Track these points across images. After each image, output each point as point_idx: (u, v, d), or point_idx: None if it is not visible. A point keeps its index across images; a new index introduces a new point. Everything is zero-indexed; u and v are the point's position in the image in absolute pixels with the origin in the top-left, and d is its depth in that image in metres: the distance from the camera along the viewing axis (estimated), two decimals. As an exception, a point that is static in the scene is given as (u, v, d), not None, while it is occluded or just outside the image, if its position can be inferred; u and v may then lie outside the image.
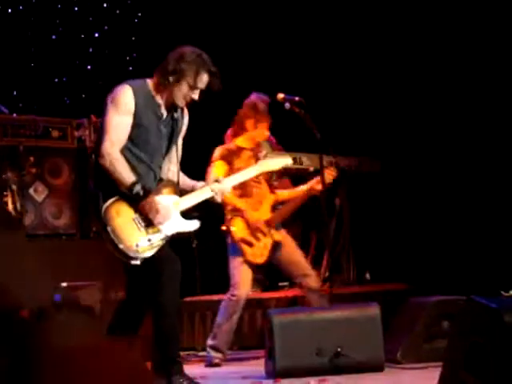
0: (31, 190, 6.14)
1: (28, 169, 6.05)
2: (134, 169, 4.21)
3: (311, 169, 6.75)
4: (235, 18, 7.98)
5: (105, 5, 8.11)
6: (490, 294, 3.44)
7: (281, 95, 5.65)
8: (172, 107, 4.33)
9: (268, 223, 5.61)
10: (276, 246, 5.57)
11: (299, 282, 5.59)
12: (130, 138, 4.23)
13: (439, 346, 4.98)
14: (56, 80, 7.82)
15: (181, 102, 4.30)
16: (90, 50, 7.88)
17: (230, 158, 5.53)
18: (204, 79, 4.28)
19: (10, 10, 7.76)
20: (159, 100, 4.30)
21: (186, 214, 4.35)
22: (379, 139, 7.59)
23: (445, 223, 7.42)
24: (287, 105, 5.63)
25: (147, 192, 4.18)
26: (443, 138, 7.57)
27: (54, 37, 7.88)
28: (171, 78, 4.24)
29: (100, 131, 4.27)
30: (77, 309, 3.68)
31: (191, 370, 4.90)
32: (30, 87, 7.62)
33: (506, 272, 6.55)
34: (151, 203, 4.18)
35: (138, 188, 4.14)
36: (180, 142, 4.45)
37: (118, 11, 8.15)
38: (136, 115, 4.21)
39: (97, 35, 8.01)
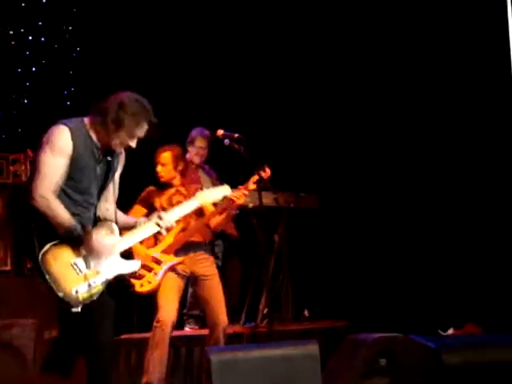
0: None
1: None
2: (69, 210, 4.11)
3: (250, 205, 6.74)
4: (173, 52, 7.98)
5: (42, 39, 8.04)
6: (428, 333, 3.45)
7: (220, 131, 5.65)
8: (108, 149, 4.27)
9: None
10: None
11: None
12: (68, 178, 4.14)
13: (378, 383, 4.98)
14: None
15: (118, 148, 4.25)
16: (27, 83, 7.78)
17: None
18: (144, 128, 4.23)
19: None
20: (97, 141, 4.22)
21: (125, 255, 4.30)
22: (317, 175, 7.64)
23: (384, 260, 7.47)
24: (226, 141, 5.64)
25: (87, 233, 4.09)
26: (380, 171, 7.65)
27: (-10, 70, 7.79)
28: (111, 126, 4.16)
29: (33, 172, 4.14)
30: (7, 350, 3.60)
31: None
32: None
33: (443, 311, 6.62)
34: (94, 243, 4.09)
35: (78, 230, 4.05)
36: (117, 180, 4.38)
37: (56, 45, 8.08)
38: (73, 156, 4.12)
39: (34, 69, 7.92)
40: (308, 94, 7.92)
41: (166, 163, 5.79)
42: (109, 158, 4.27)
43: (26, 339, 4.86)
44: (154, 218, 4.41)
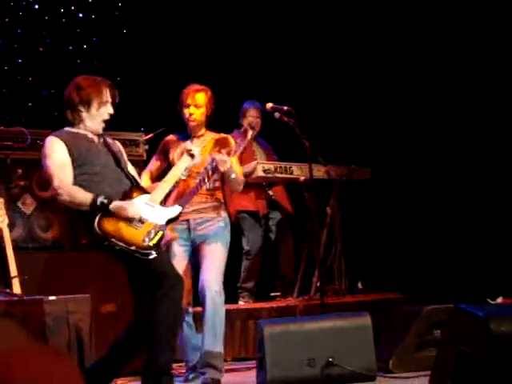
0: (19, 203, 6.10)
1: (16, 181, 6.02)
2: (97, 187, 4.41)
3: (301, 178, 6.73)
4: (223, 28, 7.97)
5: (93, 16, 8.09)
6: (478, 302, 3.43)
7: (269, 105, 5.64)
8: (97, 135, 4.58)
9: None
10: None
11: None
12: (81, 166, 4.44)
13: (431, 355, 4.94)
14: (44, 92, 7.79)
15: (101, 125, 4.55)
16: (79, 61, 7.85)
17: None
18: (107, 92, 4.52)
19: (-4, 23, 7.74)
20: (83, 131, 4.54)
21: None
22: (369, 147, 7.58)
23: (436, 230, 7.41)
24: (276, 114, 5.63)
25: (111, 198, 4.34)
26: (433, 142, 7.57)
27: (41, 48, 7.86)
28: (82, 108, 4.49)
29: (47, 181, 4.49)
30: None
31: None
32: (17, 99, 7.60)
33: (493, 279, 6.55)
34: (118, 205, 4.32)
35: (100, 199, 4.31)
36: (131, 167, 4.74)
37: (106, 22, 8.13)
38: (72, 149, 4.44)
39: (85, 46, 7.98)
40: (360, 65, 7.85)
41: (200, 105, 5.24)
42: (100, 141, 4.59)
43: (82, 314, 4.93)
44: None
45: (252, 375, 5.24)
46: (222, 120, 5.42)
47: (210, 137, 5.21)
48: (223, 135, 5.15)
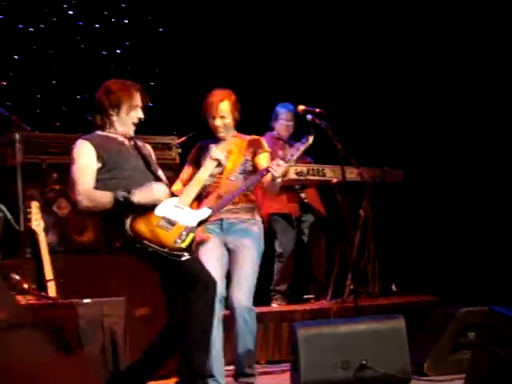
0: (55, 207, 6.15)
1: (51, 185, 6.07)
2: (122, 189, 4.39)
3: (334, 181, 6.72)
4: (255, 30, 7.98)
5: (126, 21, 8.15)
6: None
7: (301, 107, 5.63)
8: (128, 138, 4.59)
9: None
10: None
11: None
12: (111, 170, 4.45)
13: (465, 358, 4.91)
14: (78, 97, 7.86)
15: (131, 129, 4.55)
16: (112, 65, 7.91)
17: None
18: (137, 96, 4.53)
19: (31, 29, 7.81)
20: (113, 135, 4.54)
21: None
22: (401, 149, 7.55)
23: (471, 232, 7.36)
24: (309, 116, 5.62)
25: (130, 190, 4.33)
26: (467, 144, 7.52)
27: (75, 54, 7.93)
28: (112, 112, 4.50)
29: (70, 186, 4.49)
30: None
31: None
32: (52, 104, 7.67)
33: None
34: (140, 193, 4.32)
35: (121, 193, 4.31)
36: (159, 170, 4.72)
37: (139, 27, 8.19)
38: (103, 153, 4.44)
39: (118, 51, 8.04)
40: (393, 67, 7.82)
41: (226, 116, 5.10)
42: (131, 143, 4.59)
43: (117, 317, 4.96)
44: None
45: (286, 378, 5.23)
46: (252, 123, 5.42)
47: (239, 139, 5.18)
48: (254, 137, 5.15)
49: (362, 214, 6.85)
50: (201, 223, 4.54)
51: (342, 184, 6.23)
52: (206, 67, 7.90)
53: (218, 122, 5.07)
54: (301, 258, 7.07)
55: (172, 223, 4.37)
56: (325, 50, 7.94)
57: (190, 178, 4.97)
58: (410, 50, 7.77)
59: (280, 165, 4.77)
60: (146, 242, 4.28)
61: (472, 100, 7.47)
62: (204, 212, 4.58)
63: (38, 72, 7.77)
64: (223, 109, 5.05)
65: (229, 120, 5.08)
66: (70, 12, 8.00)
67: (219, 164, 4.76)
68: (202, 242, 4.92)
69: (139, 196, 4.32)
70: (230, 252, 5.06)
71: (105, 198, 4.33)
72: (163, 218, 4.36)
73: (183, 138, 6.45)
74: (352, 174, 6.72)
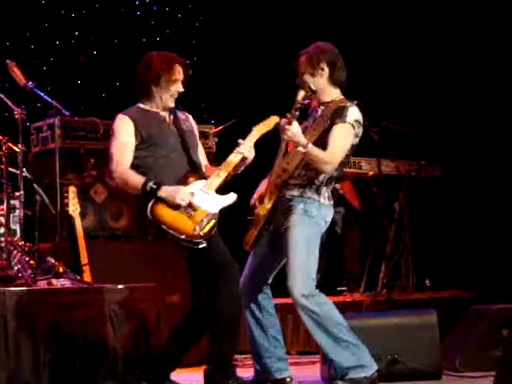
0: (91, 192, 6.21)
1: (88, 171, 6.13)
2: (162, 170, 4.40)
3: (370, 173, 6.69)
4: (290, 20, 7.95)
5: (167, 8, 8.18)
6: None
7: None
8: (169, 111, 4.54)
9: None
10: None
11: None
12: (148, 147, 4.43)
13: (499, 355, 4.87)
14: (117, 83, 7.91)
15: (170, 102, 4.50)
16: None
17: None
18: (178, 70, 4.48)
19: (73, 15, 7.87)
20: (154, 109, 4.51)
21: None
22: (439, 142, 7.48)
23: (508, 229, 7.29)
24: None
25: (160, 184, 4.32)
26: (506, 140, 7.44)
27: (116, 40, 7.98)
28: (152, 84, 4.46)
29: (107, 160, 4.50)
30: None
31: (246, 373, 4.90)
32: (91, 90, 7.72)
33: None
34: (168, 191, 4.31)
35: (150, 184, 4.30)
36: (198, 141, 4.65)
37: (179, 15, 8.21)
38: (142, 130, 4.42)
39: (158, 39, 8.07)
40: (430, 58, 7.76)
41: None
42: (172, 118, 4.54)
43: (149, 303, 5.00)
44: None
45: (316, 369, 5.24)
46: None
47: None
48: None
49: (397, 207, 6.81)
50: (223, 209, 4.42)
51: (378, 177, 6.21)
52: (246, 56, 7.89)
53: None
54: (334, 249, 7.05)
55: (194, 208, 4.33)
56: (364, 40, 7.89)
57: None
58: (447, 41, 7.69)
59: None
60: (164, 226, 4.27)
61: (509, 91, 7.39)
62: (229, 198, 4.46)
63: (78, 58, 7.82)
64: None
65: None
66: (112, -1, 8.05)
67: (244, 158, 4.52)
68: None
69: (165, 193, 4.31)
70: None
71: (135, 182, 4.34)
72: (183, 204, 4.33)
73: (220, 127, 6.46)
74: (388, 167, 6.68)
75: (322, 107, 4.64)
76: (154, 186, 4.30)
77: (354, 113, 4.58)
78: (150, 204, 4.30)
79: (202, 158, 4.67)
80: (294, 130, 4.40)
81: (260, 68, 7.56)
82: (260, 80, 7.58)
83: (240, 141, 4.52)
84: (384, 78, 7.79)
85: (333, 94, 4.66)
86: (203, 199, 4.37)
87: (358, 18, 7.94)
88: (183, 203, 4.31)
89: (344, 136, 4.54)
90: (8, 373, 4.50)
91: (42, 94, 5.34)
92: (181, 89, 4.49)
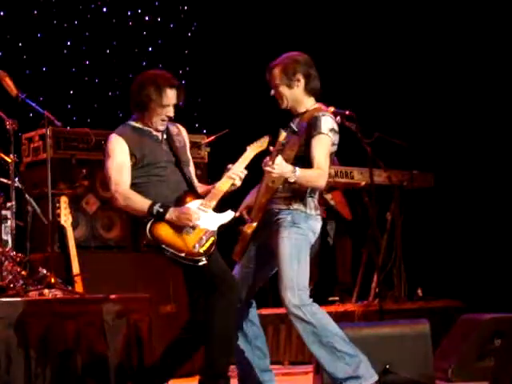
0: (83, 202, 6.20)
1: (80, 181, 6.12)
2: (156, 189, 4.41)
3: (362, 183, 6.69)
4: (283, 30, 7.97)
5: (159, 19, 8.19)
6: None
7: (331, 109, 5.62)
8: (161, 130, 4.53)
9: None
10: None
11: None
12: (142, 167, 4.44)
13: (491, 365, 4.88)
14: (110, 93, 7.91)
15: (160, 125, 4.48)
16: (144, 63, 7.95)
17: None
18: (169, 95, 4.42)
19: (65, 25, 7.88)
20: (147, 128, 4.50)
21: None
22: (432, 153, 7.50)
23: (499, 239, 7.30)
24: (338, 119, 5.59)
25: (167, 206, 4.33)
26: (499, 150, 7.46)
27: (108, 51, 7.98)
28: (143, 107, 4.43)
29: (106, 182, 4.50)
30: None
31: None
32: (83, 101, 7.72)
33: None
34: (174, 214, 4.31)
35: (156, 207, 4.31)
36: (189, 157, 4.65)
37: (171, 25, 8.22)
38: (135, 150, 4.43)
39: (150, 49, 8.09)
40: (422, 68, 7.78)
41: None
42: (164, 136, 4.53)
43: (142, 313, 4.99)
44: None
45: (308, 379, 5.23)
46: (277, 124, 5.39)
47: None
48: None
49: (389, 217, 6.82)
50: (223, 226, 4.44)
51: (370, 187, 6.21)
52: (238, 66, 7.91)
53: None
54: (326, 260, 7.05)
55: (193, 226, 4.35)
56: (354, 52, 7.91)
57: None
58: (437, 49, 7.72)
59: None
60: (163, 246, 4.29)
61: (506, 102, 7.41)
62: (227, 215, 4.47)
63: (70, 68, 7.82)
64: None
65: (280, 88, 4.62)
66: (104, 9, 8.05)
67: (233, 184, 4.48)
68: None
69: (173, 215, 4.32)
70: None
71: (141, 206, 4.34)
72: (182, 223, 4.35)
73: (213, 137, 6.46)
74: (380, 176, 6.69)
75: (297, 119, 4.66)
76: (161, 210, 4.31)
77: (327, 123, 4.58)
78: (149, 224, 4.31)
79: (192, 170, 4.68)
80: (280, 163, 4.32)
81: (253, 78, 7.56)
82: (252, 90, 7.58)
83: (229, 166, 4.51)
84: (376, 89, 7.81)
85: (307, 103, 4.68)
86: (202, 217, 4.38)
87: (350, 29, 7.96)
88: (190, 224, 4.33)
89: (322, 147, 4.54)
90: (-1, 384, 4.48)
91: (33, 104, 5.34)
92: (171, 113, 4.47)
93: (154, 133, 4.53)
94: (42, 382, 4.58)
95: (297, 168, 4.39)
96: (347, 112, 5.42)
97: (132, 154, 4.44)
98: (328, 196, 7.02)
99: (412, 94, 7.75)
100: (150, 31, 8.15)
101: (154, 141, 4.52)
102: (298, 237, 4.54)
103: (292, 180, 4.40)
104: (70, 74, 7.80)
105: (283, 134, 4.53)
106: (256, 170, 4.65)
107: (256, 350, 4.70)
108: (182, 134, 4.68)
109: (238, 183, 4.51)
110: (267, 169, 4.34)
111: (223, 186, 4.48)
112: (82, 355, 4.71)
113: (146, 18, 8.19)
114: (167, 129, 4.58)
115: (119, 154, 4.43)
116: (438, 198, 7.45)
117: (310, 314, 4.47)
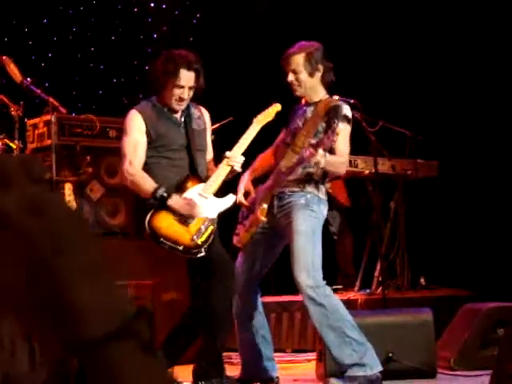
0: (87, 189, 6.21)
1: (84, 168, 6.12)
2: (164, 174, 4.40)
3: (366, 172, 6.68)
4: (287, 21, 7.94)
5: (163, 6, 8.17)
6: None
7: (335, 97, 5.60)
8: (181, 111, 4.51)
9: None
10: None
11: None
12: (154, 148, 4.44)
13: (494, 354, 4.87)
14: (114, 80, 7.91)
15: (177, 106, 4.46)
16: (149, 50, 7.94)
17: None
18: (185, 76, 4.39)
19: (71, 11, 7.87)
20: (166, 108, 4.49)
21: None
22: (437, 142, 7.48)
23: (505, 228, 7.29)
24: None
25: (170, 193, 4.34)
26: (504, 138, 7.44)
27: (113, 37, 7.97)
28: (160, 86, 4.43)
29: (120, 157, 4.52)
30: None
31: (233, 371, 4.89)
32: (88, 87, 7.72)
33: None
34: (177, 201, 4.32)
35: (160, 191, 4.31)
36: (209, 142, 4.66)
37: (176, 12, 8.20)
38: (151, 129, 4.42)
39: (155, 36, 8.07)
40: (427, 56, 7.75)
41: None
42: (183, 119, 4.51)
43: (144, 300, 5.00)
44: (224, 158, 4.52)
45: (311, 367, 5.24)
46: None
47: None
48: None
49: (392, 206, 6.81)
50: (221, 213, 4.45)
51: (374, 175, 6.21)
52: (243, 53, 7.89)
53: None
54: (330, 248, 7.04)
55: (191, 217, 4.34)
56: (360, 41, 7.88)
57: (280, 143, 4.79)
58: (444, 38, 7.69)
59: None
60: (161, 239, 4.29)
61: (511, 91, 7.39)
62: (228, 200, 4.48)
63: (75, 54, 7.82)
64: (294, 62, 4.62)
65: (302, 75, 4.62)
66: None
67: (232, 170, 4.49)
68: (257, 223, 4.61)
69: (175, 203, 4.33)
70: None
71: (146, 187, 4.35)
72: (181, 213, 4.35)
73: (217, 125, 6.45)
74: (384, 165, 6.68)
75: (310, 107, 4.67)
76: (165, 195, 4.31)
77: (347, 112, 4.61)
78: (148, 217, 4.32)
79: (210, 155, 4.68)
80: (320, 154, 4.33)
81: (258, 66, 7.55)
82: (257, 78, 7.57)
83: (227, 153, 4.51)
84: (381, 78, 7.79)
85: (321, 93, 4.70)
86: (201, 204, 4.37)
87: (353, 18, 7.93)
88: (199, 212, 4.34)
89: (346, 134, 4.58)
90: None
91: (38, 90, 5.34)
92: (185, 95, 4.42)
93: (174, 114, 4.50)
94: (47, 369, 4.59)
95: (327, 154, 4.40)
96: (352, 101, 5.40)
97: (148, 132, 4.43)
98: (327, 185, 7.00)
99: (416, 83, 7.72)
100: (155, 18, 8.14)
101: (173, 122, 4.50)
102: (312, 219, 4.56)
103: (322, 165, 4.41)
104: (75, 60, 7.79)
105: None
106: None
107: (261, 339, 4.72)
108: (203, 118, 4.65)
109: (239, 169, 4.52)
110: (314, 161, 4.33)
111: (222, 172, 4.49)
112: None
113: (151, 5, 8.17)
114: (188, 111, 4.55)
115: (136, 131, 4.41)
116: (442, 187, 7.44)
117: (323, 295, 4.48)
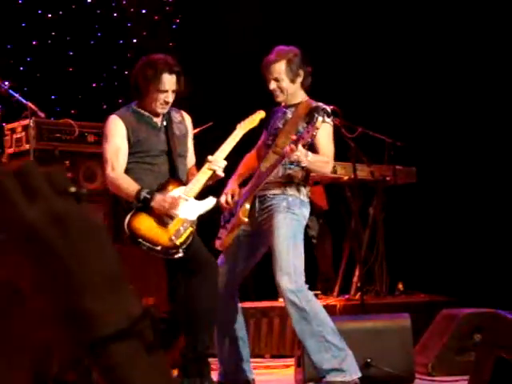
0: (66, 194, 6.18)
1: (63, 173, 6.09)
2: (144, 178, 4.43)
3: (345, 178, 6.70)
4: (271, 26, 7.96)
5: (143, 11, 8.16)
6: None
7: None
8: (162, 115, 4.52)
9: None
10: None
11: None
12: (134, 153, 4.46)
13: (471, 360, 4.91)
14: (93, 85, 7.88)
15: (160, 109, 4.47)
16: (129, 55, 7.93)
17: None
18: (167, 80, 4.40)
19: (49, 15, 7.84)
20: (146, 113, 4.50)
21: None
22: (415, 148, 7.52)
23: (483, 233, 7.32)
24: (321, 113, 5.58)
25: (153, 193, 4.36)
26: (483, 145, 7.48)
27: (92, 42, 7.95)
28: (142, 92, 4.44)
29: (103, 165, 4.58)
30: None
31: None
32: (67, 92, 7.69)
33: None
34: (160, 201, 4.33)
35: (143, 194, 4.32)
36: (190, 146, 4.68)
37: (156, 17, 8.20)
38: (131, 135, 4.44)
39: (135, 41, 8.06)
40: (403, 62, 7.78)
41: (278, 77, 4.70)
42: (164, 123, 4.53)
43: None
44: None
45: (290, 373, 5.24)
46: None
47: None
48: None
49: (371, 212, 6.84)
50: (201, 215, 4.47)
51: (353, 181, 6.23)
52: (223, 58, 7.89)
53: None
54: (309, 253, 7.05)
55: (171, 216, 4.36)
56: (339, 47, 7.91)
57: (262, 144, 4.80)
58: (423, 46, 7.73)
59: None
60: (140, 240, 4.31)
61: (491, 96, 7.43)
62: (208, 202, 4.49)
63: (55, 59, 7.79)
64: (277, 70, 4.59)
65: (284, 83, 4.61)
66: (88, 0, 8.02)
67: (214, 175, 4.48)
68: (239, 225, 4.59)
69: (158, 204, 4.34)
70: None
71: (129, 190, 4.37)
72: (161, 214, 4.37)
73: (196, 130, 6.45)
74: (363, 171, 6.70)
75: (291, 108, 4.69)
76: (148, 196, 4.33)
77: (327, 112, 4.63)
78: (127, 218, 4.32)
79: (192, 161, 4.70)
80: (300, 149, 4.33)
81: (239, 70, 7.55)
82: (237, 82, 7.57)
83: (209, 157, 4.52)
84: (360, 85, 7.81)
85: (300, 96, 4.73)
86: (182, 206, 4.38)
87: (332, 24, 7.95)
88: (179, 214, 4.34)
89: (328, 133, 4.61)
90: None
91: (16, 95, 5.32)
92: (169, 99, 4.44)
93: (154, 119, 4.52)
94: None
95: (309, 153, 4.41)
96: (331, 107, 5.43)
97: (128, 138, 4.45)
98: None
99: (395, 90, 7.75)
100: (135, 23, 8.12)
101: (152, 128, 4.51)
102: (294, 222, 4.54)
103: (304, 164, 4.42)
104: (54, 64, 7.76)
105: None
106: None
107: (239, 341, 4.72)
108: (184, 123, 4.68)
109: (221, 173, 4.52)
110: (295, 157, 4.34)
111: (203, 176, 4.50)
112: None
113: (131, 10, 8.16)
114: (169, 116, 4.56)
115: (117, 136, 4.44)
116: (420, 193, 7.47)
117: (304, 300, 4.48)
